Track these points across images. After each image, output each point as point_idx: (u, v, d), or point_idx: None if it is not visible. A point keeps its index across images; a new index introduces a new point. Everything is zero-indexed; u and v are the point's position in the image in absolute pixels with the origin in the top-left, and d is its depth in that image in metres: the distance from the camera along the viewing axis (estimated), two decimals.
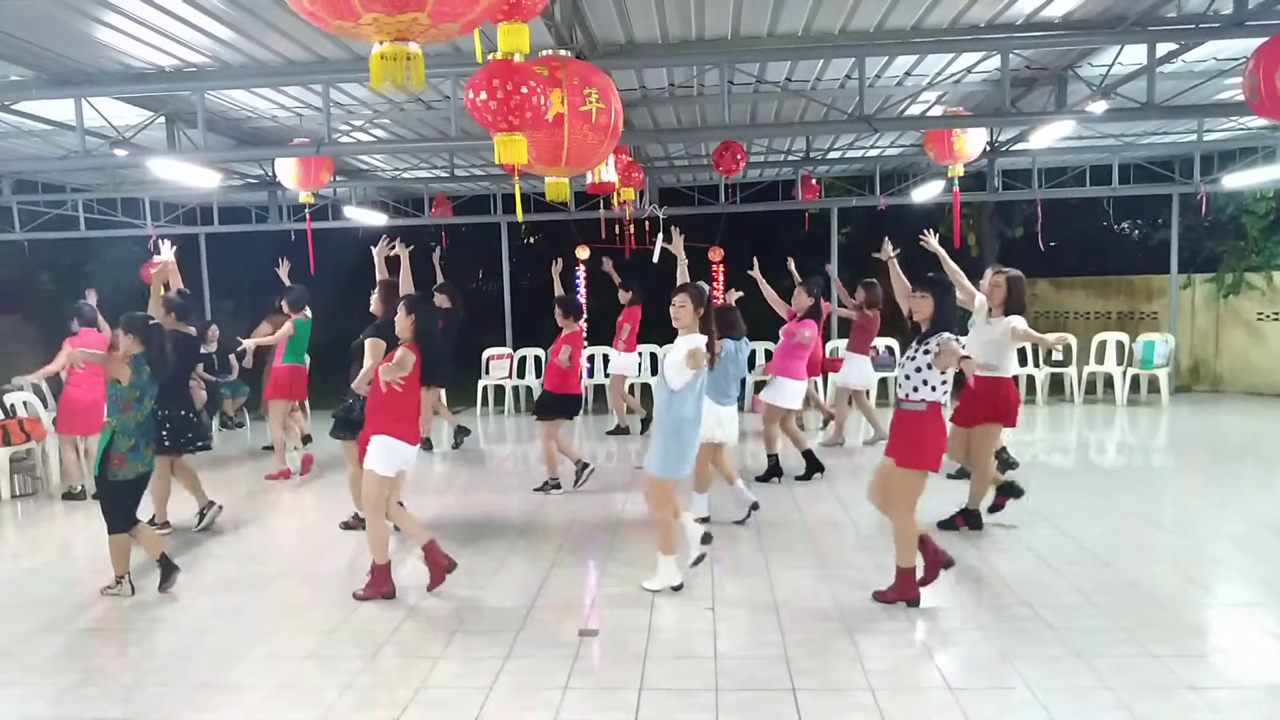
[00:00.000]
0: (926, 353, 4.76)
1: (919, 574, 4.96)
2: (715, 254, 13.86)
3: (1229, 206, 14.04)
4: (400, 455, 5.33)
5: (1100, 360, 12.41)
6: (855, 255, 18.66)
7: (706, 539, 5.44)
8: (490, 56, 4.30)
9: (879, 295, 9.31)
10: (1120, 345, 12.42)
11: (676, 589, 5.29)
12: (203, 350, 9.67)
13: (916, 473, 4.87)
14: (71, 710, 4.10)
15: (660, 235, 11.96)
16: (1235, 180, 11.77)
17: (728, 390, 6.45)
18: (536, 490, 7.94)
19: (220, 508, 7.12)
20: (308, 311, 8.78)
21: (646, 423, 10.97)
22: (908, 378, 4.87)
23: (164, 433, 6.49)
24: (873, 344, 9.60)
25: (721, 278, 13.86)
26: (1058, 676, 4.12)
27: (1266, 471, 8.07)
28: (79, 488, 8.10)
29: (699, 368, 4.99)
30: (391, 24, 3.10)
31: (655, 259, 12.11)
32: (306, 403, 10.07)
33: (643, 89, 8.61)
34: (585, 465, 8.06)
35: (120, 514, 5.50)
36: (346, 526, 6.86)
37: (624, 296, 10.46)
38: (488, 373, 12.96)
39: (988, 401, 6.06)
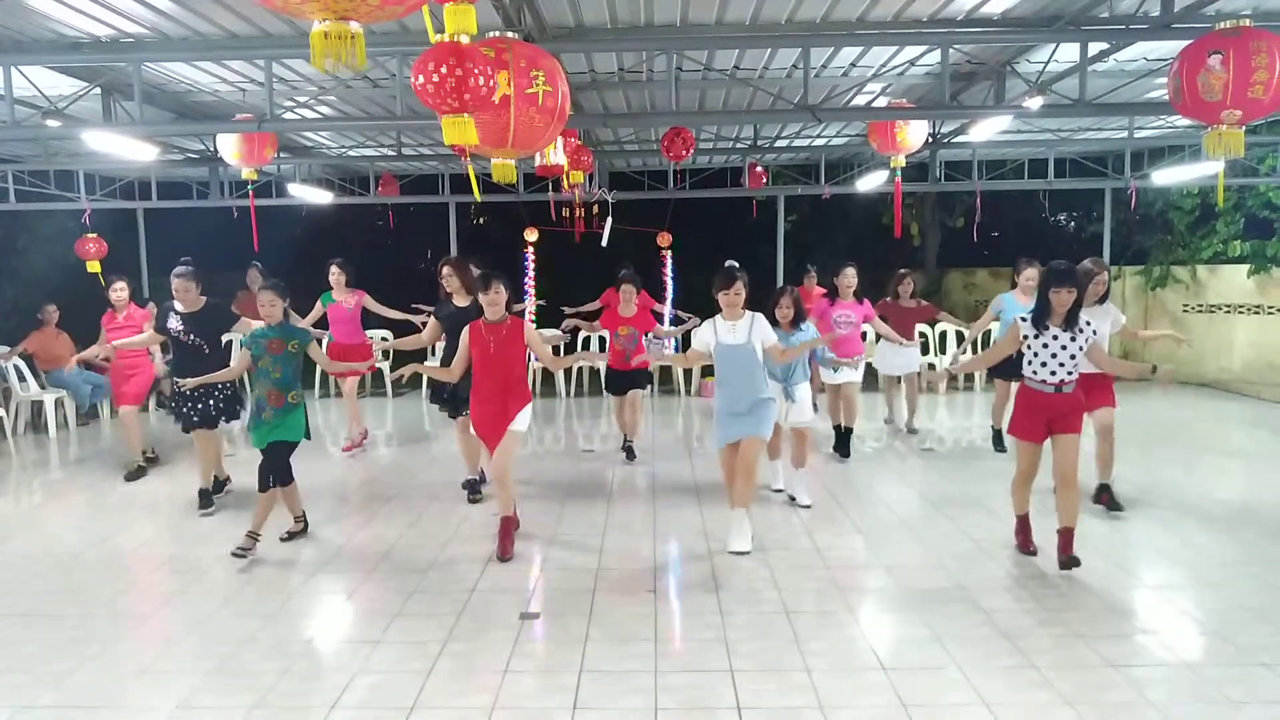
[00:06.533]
0: (1082, 344, 5.19)
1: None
2: (663, 239, 13.91)
3: (1157, 202, 14.51)
4: None
5: None
6: (800, 242, 18.91)
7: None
8: (438, 37, 4.27)
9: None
10: None
11: (745, 554, 5.63)
12: None
13: None
14: None
15: (609, 219, 12.02)
16: (1163, 176, 12.14)
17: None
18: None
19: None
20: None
21: None
22: (1073, 357, 5.17)
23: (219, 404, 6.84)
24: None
25: (669, 262, 13.93)
26: (987, 657, 4.26)
27: (1190, 458, 8.39)
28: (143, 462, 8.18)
29: None
30: (341, 2, 3.08)
31: (604, 242, 12.15)
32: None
33: (592, 73, 8.59)
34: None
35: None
36: (475, 500, 7.04)
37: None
38: (433, 354, 12.84)
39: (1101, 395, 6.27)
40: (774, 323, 6.62)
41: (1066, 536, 5.27)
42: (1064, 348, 5.15)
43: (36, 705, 3.93)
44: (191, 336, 6.77)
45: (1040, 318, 5.20)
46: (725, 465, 5.86)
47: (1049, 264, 5.25)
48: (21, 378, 10.38)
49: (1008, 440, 5.50)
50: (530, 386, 5.76)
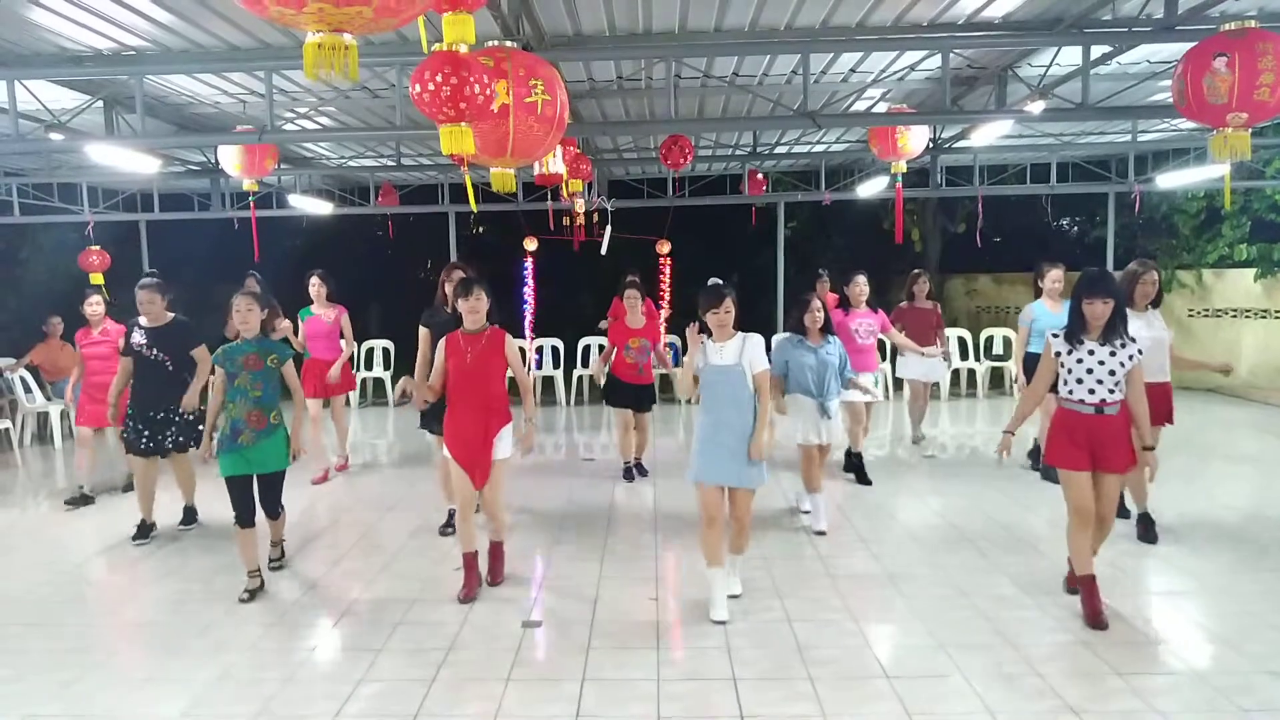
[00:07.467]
0: (1124, 360, 4.59)
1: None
2: (663, 247, 13.92)
3: (1162, 206, 14.48)
4: None
5: None
6: (801, 249, 18.91)
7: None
8: (436, 47, 4.27)
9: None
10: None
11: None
12: None
13: None
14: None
15: (609, 227, 12.02)
16: (1168, 180, 12.11)
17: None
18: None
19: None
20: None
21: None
22: (1112, 373, 4.59)
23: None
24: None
25: (668, 271, 13.93)
26: (991, 665, 4.23)
27: (1197, 463, 8.34)
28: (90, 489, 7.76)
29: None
30: (336, 15, 3.08)
31: (604, 250, 12.14)
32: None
33: (591, 81, 8.60)
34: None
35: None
36: (446, 532, 6.51)
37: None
38: None
39: (1159, 408, 5.66)
40: (803, 331, 6.45)
41: (1087, 587, 4.75)
42: (1101, 363, 4.57)
43: (41, 714, 3.92)
44: (154, 352, 6.45)
45: (1074, 332, 4.66)
46: (706, 504, 4.87)
47: (1083, 271, 4.72)
48: (27, 389, 10.39)
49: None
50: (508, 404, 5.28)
